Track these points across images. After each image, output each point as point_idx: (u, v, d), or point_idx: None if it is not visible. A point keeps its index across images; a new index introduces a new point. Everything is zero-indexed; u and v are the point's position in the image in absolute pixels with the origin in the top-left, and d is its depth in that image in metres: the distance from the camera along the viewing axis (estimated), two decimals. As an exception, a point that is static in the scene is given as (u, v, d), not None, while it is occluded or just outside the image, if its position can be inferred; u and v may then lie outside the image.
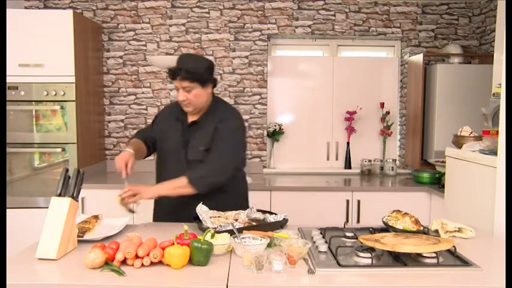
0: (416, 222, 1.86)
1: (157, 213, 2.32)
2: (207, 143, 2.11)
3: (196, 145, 2.14)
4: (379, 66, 4.02)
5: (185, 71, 2.02)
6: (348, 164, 3.94)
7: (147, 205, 3.28)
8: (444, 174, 2.86)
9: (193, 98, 2.07)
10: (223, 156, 2.10)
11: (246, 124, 3.87)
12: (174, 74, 2.05)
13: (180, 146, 2.17)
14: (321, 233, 1.83)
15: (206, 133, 2.13)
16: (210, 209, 2.01)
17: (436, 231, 1.91)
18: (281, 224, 1.96)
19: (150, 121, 3.85)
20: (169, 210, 2.16)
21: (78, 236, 1.75)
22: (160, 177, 2.23)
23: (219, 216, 1.97)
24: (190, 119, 2.19)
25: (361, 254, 1.56)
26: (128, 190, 1.98)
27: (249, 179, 3.58)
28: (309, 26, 3.84)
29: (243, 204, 2.23)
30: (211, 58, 3.83)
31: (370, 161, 3.85)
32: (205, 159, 2.09)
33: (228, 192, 2.16)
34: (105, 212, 2.08)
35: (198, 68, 2.05)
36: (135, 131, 3.86)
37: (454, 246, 1.59)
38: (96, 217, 2.02)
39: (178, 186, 2.02)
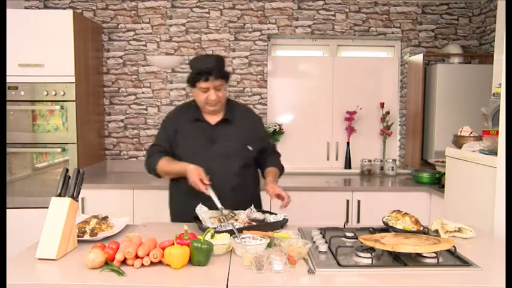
0: (416, 222, 1.86)
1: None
2: (244, 138, 2.24)
3: (227, 140, 2.21)
4: (379, 66, 4.02)
5: (217, 70, 2.10)
6: (348, 164, 3.94)
7: (147, 205, 3.29)
8: (444, 174, 2.86)
9: (222, 95, 2.17)
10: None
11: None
12: (208, 74, 2.08)
13: (208, 143, 2.20)
14: (321, 233, 1.83)
15: (239, 129, 2.24)
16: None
17: (436, 231, 1.91)
18: (281, 224, 1.96)
19: (150, 121, 3.88)
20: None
21: (78, 236, 1.75)
22: (180, 178, 2.20)
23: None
24: (214, 118, 2.23)
25: (361, 254, 1.56)
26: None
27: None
28: (309, 26, 3.84)
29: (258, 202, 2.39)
30: (211, 58, 3.83)
31: (370, 161, 3.85)
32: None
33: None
34: (104, 212, 2.08)
35: (224, 67, 2.18)
36: (135, 131, 3.88)
37: (454, 246, 1.59)
38: (96, 217, 2.00)
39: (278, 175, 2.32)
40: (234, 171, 2.18)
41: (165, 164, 2.19)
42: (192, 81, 2.14)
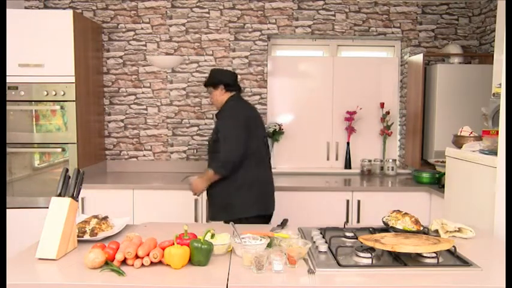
0: (416, 222, 1.86)
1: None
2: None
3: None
4: (379, 66, 4.02)
5: (206, 81, 2.88)
6: (348, 164, 3.94)
7: (147, 205, 3.29)
8: (444, 174, 2.86)
9: (213, 99, 2.87)
10: None
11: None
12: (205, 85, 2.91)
13: None
14: (321, 233, 1.83)
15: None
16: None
17: (436, 231, 1.91)
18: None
19: (150, 121, 3.88)
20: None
21: (78, 236, 1.75)
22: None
23: None
24: None
25: (361, 254, 1.56)
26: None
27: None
28: (309, 26, 3.84)
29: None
30: (211, 58, 3.83)
31: (370, 161, 3.85)
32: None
33: None
34: (104, 212, 2.08)
35: (211, 77, 2.86)
36: (135, 131, 3.89)
37: (454, 246, 1.59)
38: (96, 217, 2.00)
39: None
40: (208, 158, 2.88)
41: None
42: None
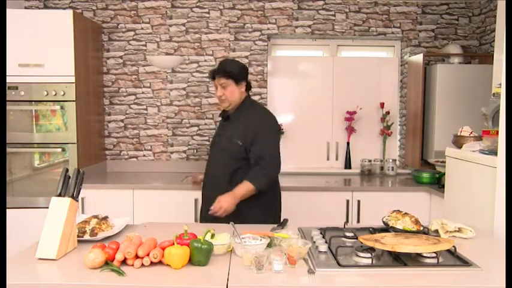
0: (416, 222, 1.86)
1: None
2: (234, 133, 2.45)
3: (224, 135, 2.51)
4: (379, 66, 4.02)
5: (221, 70, 2.43)
6: (348, 164, 3.94)
7: (147, 205, 3.29)
8: (444, 174, 2.86)
9: (228, 93, 2.44)
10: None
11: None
12: (214, 73, 2.46)
13: (216, 137, 2.61)
14: (321, 233, 1.83)
15: (234, 125, 2.47)
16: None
17: (436, 231, 1.91)
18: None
19: (150, 121, 3.88)
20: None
21: (78, 236, 1.75)
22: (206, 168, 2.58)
23: None
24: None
25: (361, 254, 1.56)
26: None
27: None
28: (309, 26, 3.84)
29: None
30: (211, 58, 3.83)
31: (370, 161, 3.85)
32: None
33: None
34: (104, 212, 2.08)
35: (232, 67, 2.46)
36: (135, 131, 3.89)
37: (454, 246, 1.59)
38: (96, 217, 2.00)
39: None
40: (224, 163, 2.43)
41: None
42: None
